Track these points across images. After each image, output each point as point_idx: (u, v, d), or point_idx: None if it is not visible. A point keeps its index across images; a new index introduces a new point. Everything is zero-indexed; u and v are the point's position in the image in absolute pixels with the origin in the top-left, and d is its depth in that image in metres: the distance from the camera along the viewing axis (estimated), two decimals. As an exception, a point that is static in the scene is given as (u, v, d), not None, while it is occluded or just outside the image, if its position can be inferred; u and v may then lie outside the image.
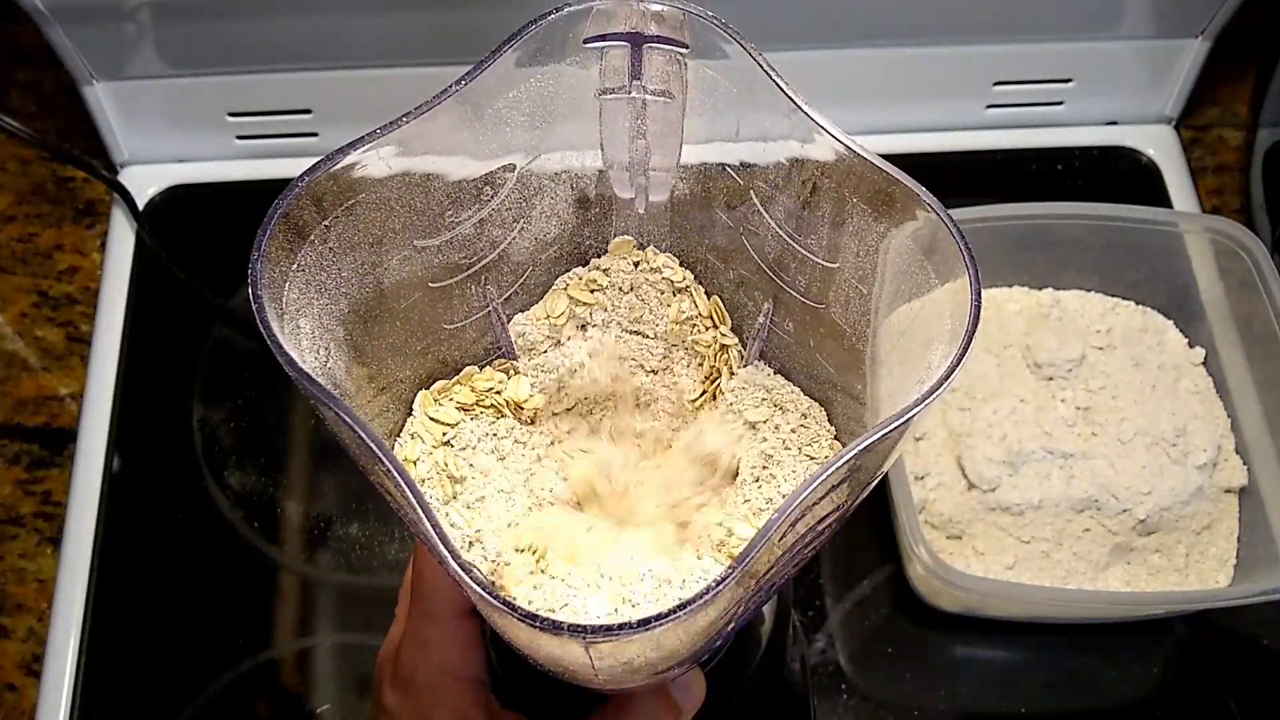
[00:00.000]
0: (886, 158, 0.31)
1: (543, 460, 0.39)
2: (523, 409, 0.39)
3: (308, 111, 0.73)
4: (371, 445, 0.27)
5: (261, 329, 0.28)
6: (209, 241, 0.73)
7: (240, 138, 0.74)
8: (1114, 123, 0.78)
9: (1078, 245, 0.66)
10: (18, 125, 0.67)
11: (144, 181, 0.75)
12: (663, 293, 0.40)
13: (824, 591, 0.64)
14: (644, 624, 0.26)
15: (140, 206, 0.74)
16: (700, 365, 0.40)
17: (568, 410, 0.40)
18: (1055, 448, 0.61)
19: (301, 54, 0.69)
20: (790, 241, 0.36)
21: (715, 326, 0.39)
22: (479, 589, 0.26)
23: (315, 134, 0.74)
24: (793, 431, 0.38)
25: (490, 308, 0.38)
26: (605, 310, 0.39)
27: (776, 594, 0.45)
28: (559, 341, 0.39)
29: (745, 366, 0.39)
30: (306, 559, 0.65)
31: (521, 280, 0.38)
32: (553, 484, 0.38)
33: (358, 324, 0.34)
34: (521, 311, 0.39)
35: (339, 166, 0.31)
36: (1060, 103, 0.77)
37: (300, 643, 0.63)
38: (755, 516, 0.37)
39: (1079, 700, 0.62)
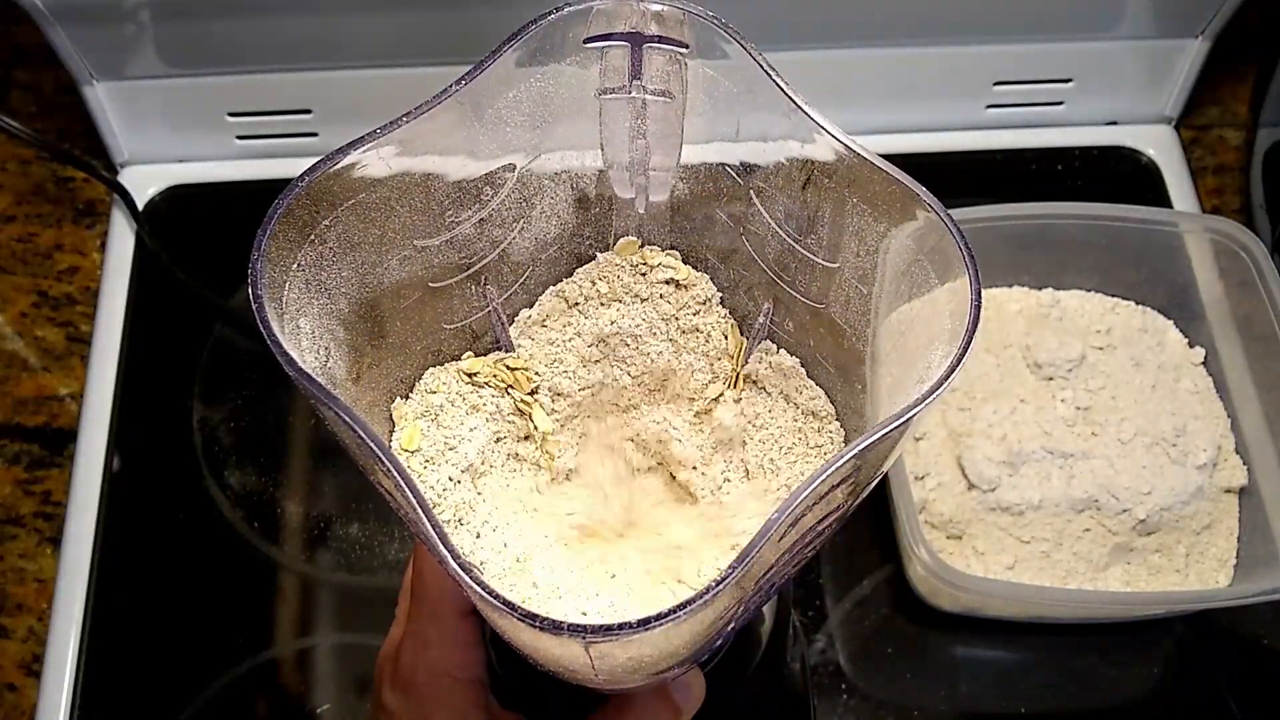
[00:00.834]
0: (886, 158, 0.31)
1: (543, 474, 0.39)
2: (541, 434, 0.39)
3: (308, 111, 0.73)
4: (371, 445, 0.27)
5: (261, 329, 0.28)
6: (209, 241, 0.73)
7: (240, 138, 0.74)
8: (1114, 123, 0.78)
9: (1078, 245, 0.66)
10: (18, 125, 0.67)
11: (144, 181, 0.75)
12: (665, 288, 0.39)
13: (824, 591, 0.64)
14: (644, 624, 0.26)
15: (140, 206, 0.74)
16: (703, 362, 0.40)
17: (570, 417, 0.40)
18: (1055, 448, 0.61)
19: (301, 54, 0.69)
20: (790, 241, 0.36)
21: (722, 322, 0.39)
22: (479, 589, 0.26)
23: (315, 134, 0.74)
24: (792, 431, 0.38)
25: (490, 308, 0.38)
26: (604, 307, 0.39)
27: (776, 594, 0.45)
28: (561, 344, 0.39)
29: (745, 366, 0.39)
30: (306, 559, 0.65)
31: (521, 280, 0.38)
32: (556, 508, 0.38)
33: (358, 324, 0.34)
34: (525, 307, 0.39)
35: (339, 166, 0.31)
36: (1060, 103, 0.77)
37: (300, 643, 0.63)
38: (754, 517, 0.37)
39: (1079, 700, 0.62)
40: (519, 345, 0.39)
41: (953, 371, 0.28)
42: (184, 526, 0.66)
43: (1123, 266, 0.67)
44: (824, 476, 0.27)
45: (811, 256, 0.36)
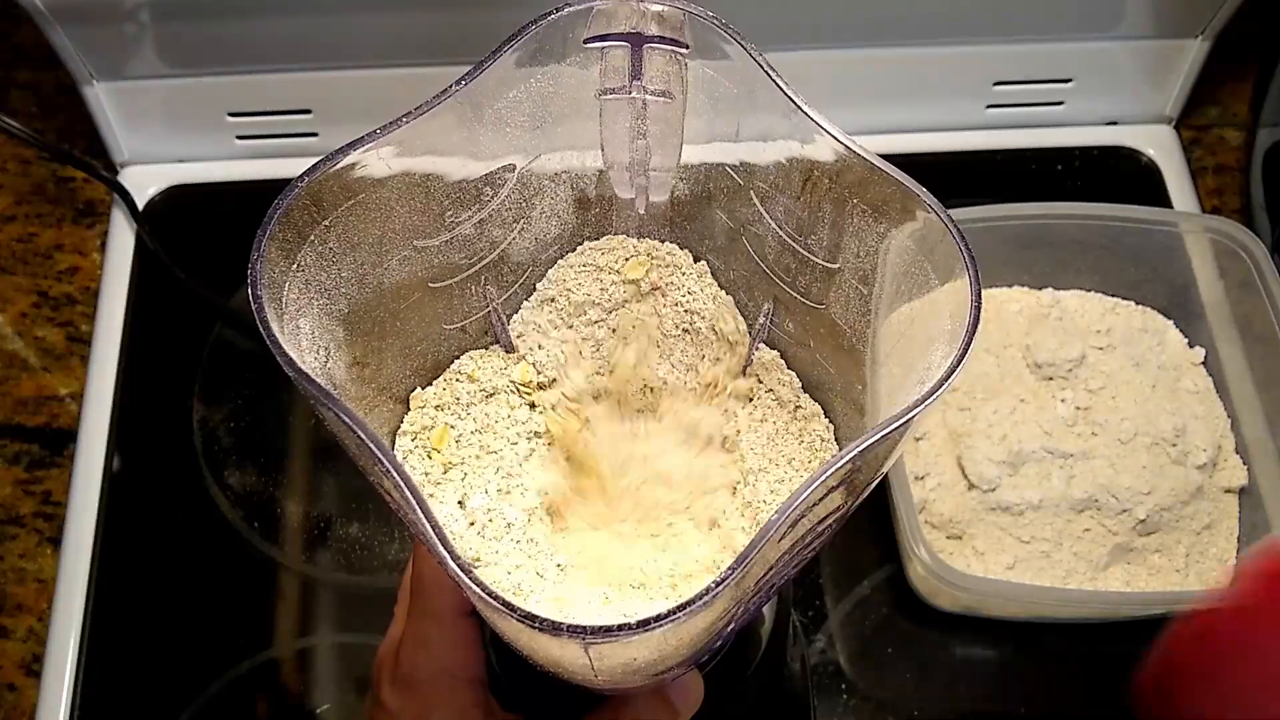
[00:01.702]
0: (886, 158, 0.31)
1: (537, 454, 0.39)
2: (528, 392, 0.39)
3: (308, 111, 0.73)
4: (371, 445, 0.27)
5: (261, 329, 0.28)
6: (209, 241, 0.73)
7: (240, 138, 0.74)
8: (1114, 123, 0.78)
9: (1078, 245, 0.66)
10: (18, 125, 0.67)
11: (144, 181, 0.75)
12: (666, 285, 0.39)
13: (824, 591, 0.64)
14: (643, 625, 0.26)
15: (140, 206, 0.74)
16: (705, 359, 0.40)
17: (569, 402, 0.40)
18: (1055, 448, 0.61)
19: (301, 54, 0.69)
20: (790, 241, 0.36)
21: (722, 320, 0.39)
22: (478, 589, 0.26)
23: (315, 134, 0.74)
24: (793, 431, 0.38)
25: (490, 308, 0.38)
26: (605, 299, 0.39)
27: (776, 594, 0.45)
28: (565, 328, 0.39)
29: (746, 366, 0.39)
30: (306, 559, 0.65)
31: (521, 280, 0.38)
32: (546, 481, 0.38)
33: (357, 324, 0.34)
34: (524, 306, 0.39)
35: (339, 166, 0.31)
36: (1060, 103, 0.77)
37: (300, 643, 0.63)
38: (755, 516, 0.37)
39: (1079, 700, 0.62)
40: (519, 342, 0.39)
41: (953, 372, 0.28)
42: (184, 526, 0.66)
43: (1123, 266, 0.67)
44: (824, 477, 0.27)
45: (811, 257, 0.36)
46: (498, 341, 0.39)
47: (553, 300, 0.39)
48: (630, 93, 0.35)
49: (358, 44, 0.69)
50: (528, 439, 0.38)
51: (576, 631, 0.26)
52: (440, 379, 0.38)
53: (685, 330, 0.40)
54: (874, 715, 0.61)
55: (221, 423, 0.68)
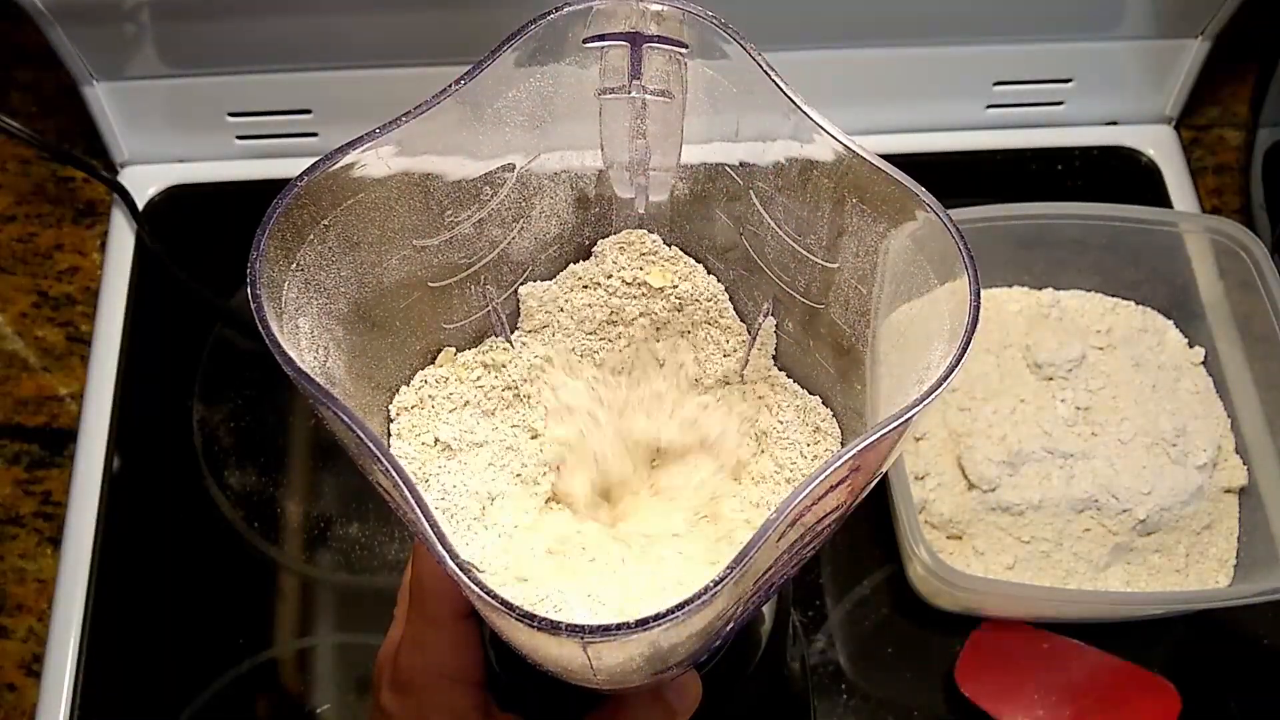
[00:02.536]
0: (886, 158, 0.31)
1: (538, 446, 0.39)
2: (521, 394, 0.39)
3: (308, 111, 0.73)
4: (370, 445, 0.27)
5: (261, 328, 0.28)
6: (209, 241, 0.73)
7: (240, 138, 0.74)
8: (1114, 123, 0.78)
9: (1078, 245, 0.66)
10: (18, 125, 0.67)
11: (144, 181, 0.75)
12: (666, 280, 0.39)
13: (824, 591, 0.64)
14: (642, 624, 0.26)
15: (140, 206, 0.74)
16: (705, 359, 0.40)
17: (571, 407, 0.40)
18: (1055, 448, 0.61)
19: (301, 54, 0.69)
20: (790, 241, 0.36)
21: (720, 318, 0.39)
22: (477, 589, 0.26)
23: (315, 134, 0.74)
24: (793, 430, 0.38)
25: (490, 308, 0.38)
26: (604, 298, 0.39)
27: (776, 594, 0.45)
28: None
29: (745, 365, 0.39)
30: (306, 559, 0.65)
31: (521, 280, 0.38)
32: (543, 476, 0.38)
33: (357, 323, 0.34)
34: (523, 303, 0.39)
35: (338, 166, 0.31)
36: (1060, 103, 0.77)
37: (300, 643, 0.63)
38: (755, 515, 0.37)
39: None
40: (522, 343, 0.39)
41: (952, 371, 0.28)
42: (184, 526, 0.66)
43: (1123, 266, 0.67)
44: (823, 476, 0.27)
45: (811, 256, 0.36)
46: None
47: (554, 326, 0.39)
48: (630, 92, 0.35)
49: (358, 44, 0.69)
50: (525, 431, 0.38)
51: (575, 631, 0.26)
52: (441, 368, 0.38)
53: (685, 331, 0.40)
54: (874, 715, 0.61)
55: (221, 423, 0.68)
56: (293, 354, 0.28)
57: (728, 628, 0.35)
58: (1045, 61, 0.74)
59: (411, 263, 0.35)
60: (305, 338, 0.31)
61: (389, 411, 0.37)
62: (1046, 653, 0.59)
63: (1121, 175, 0.77)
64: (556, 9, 0.33)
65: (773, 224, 0.36)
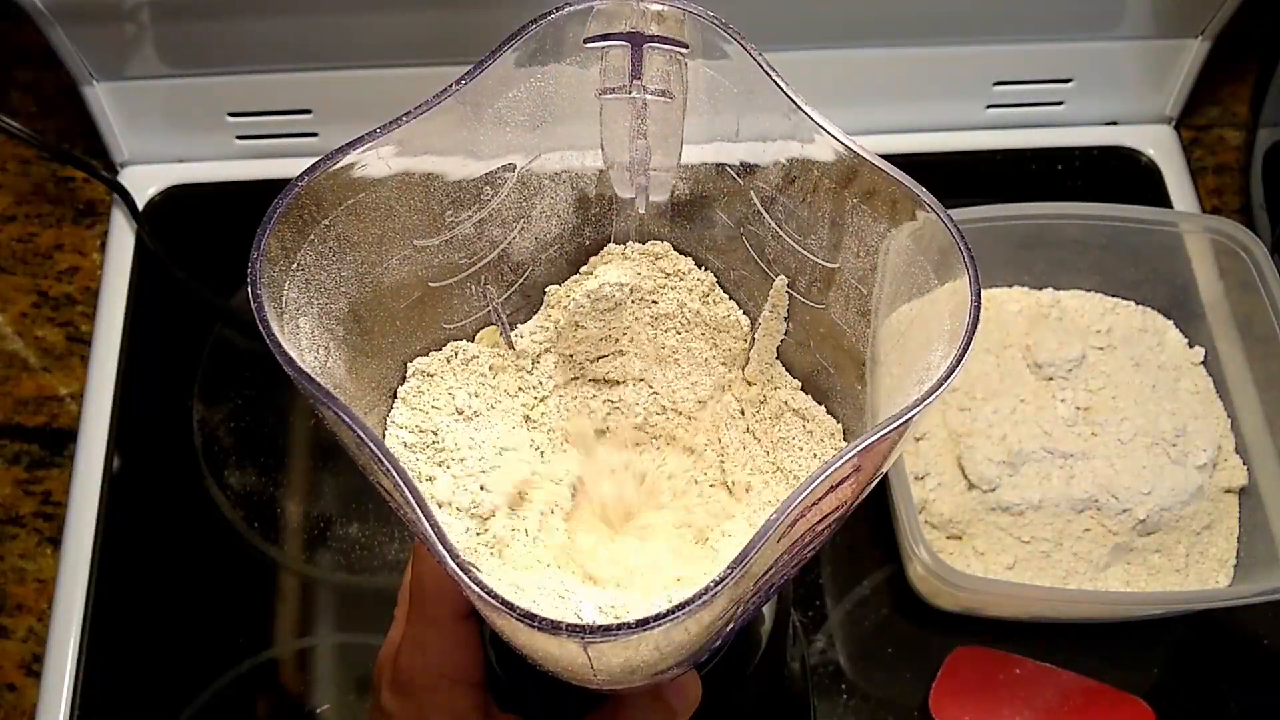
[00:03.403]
0: (886, 158, 0.31)
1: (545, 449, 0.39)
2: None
3: (308, 111, 0.73)
4: (371, 445, 0.27)
5: (261, 328, 0.28)
6: (209, 241, 0.73)
7: (240, 138, 0.74)
8: (1114, 123, 0.78)
9: (1078, 245, 0.66)
10: (18, 125, 0.67)
11: (144, 181, 0.75)
12: (665, 278, 0.39)
13: (824, 591, 0.64)
14: (642, 624, 0.26)
15: (140, 206, 0.74)
16: (705, 359, 0.40)
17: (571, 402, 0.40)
18: (1055, 448, 0.61)
19: (301, 54, 0.69)
20: (790, 241, 0.36)
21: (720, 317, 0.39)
22: (477, 588, 0.26)
23: (315, 134, 0.74)
24: (793, 431, 0.38)
25: (490, 307, 0.38)
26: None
27: (776, 594, 0.45)
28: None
29: (746, 366, 0.39)
30: (306, 559, 0.65)
31: (521, 280, 0.38)
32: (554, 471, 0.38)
33: (357, 323, 0.34)
34: (523, 311, 0.39)
35: (339, 166, 0.31)
36: (1060, 103, 0.77)
37: (300, 643, 0.63)
38: (754, 516, 0.37)
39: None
40: (530, 346, 0.39)
41: (952, 372, 0.28)
42: (184, 526, 0.66)
43: (1123, 266, 0.67)
44: (823, 477, 0.27)
45: (811, 257, 0.36)
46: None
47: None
48: (630, 92, 0.35)
49: (358, 44, 0.69)
50: (524, 427, 0.38)
51: (575, 631, 0.26)
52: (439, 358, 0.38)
53: (683, 332, 0.40)
54: (874, 715, 0.61)
55: (221, 423, 0.68)
56: (293, 354, 0.28)
57: (728, 628, 0.35)
58: (1045, 61, 0.74)
59: (412, 263, 0.35)
60: (306, 337, 0.31)
61: (397, 390, 0.37)
62: (1019, 677, 0.60)
63: (1121, 175, 0.77)
64: (557, 9, 0.33)
65: (773, 224, 0.36)
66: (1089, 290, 0.68)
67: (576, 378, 0.40)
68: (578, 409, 0.40)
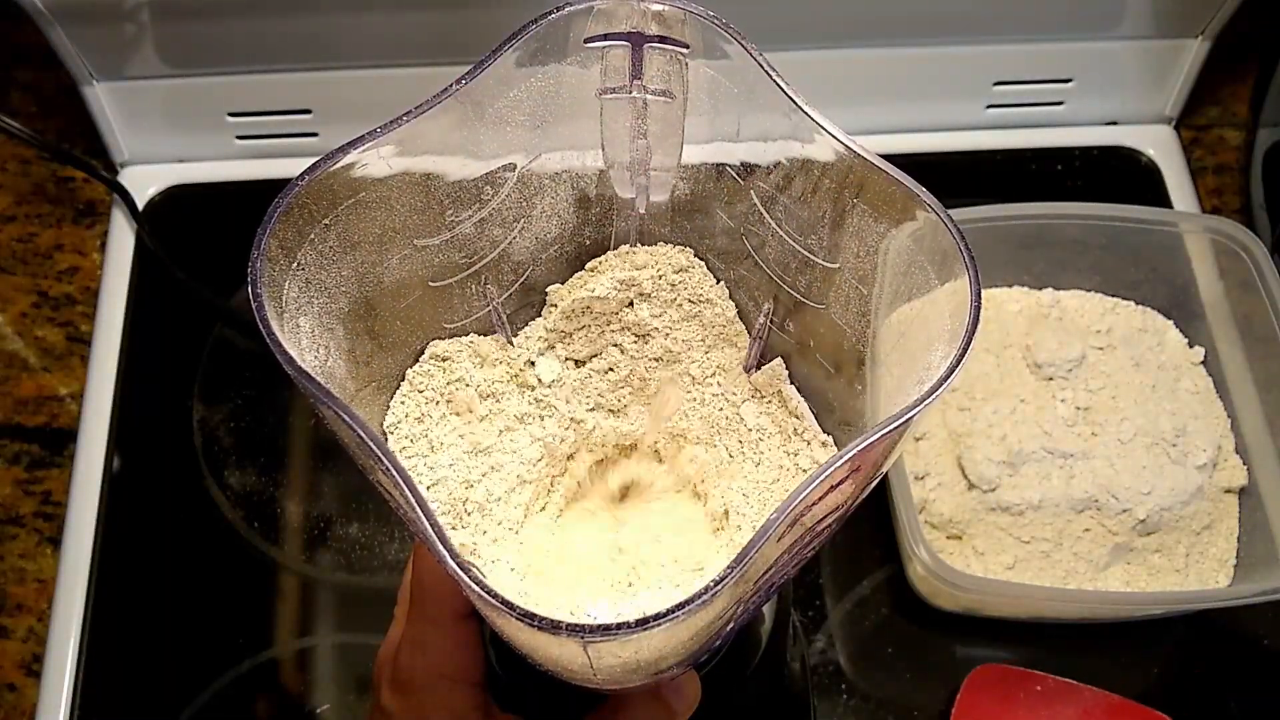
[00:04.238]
0: (886, 158, 0.31)
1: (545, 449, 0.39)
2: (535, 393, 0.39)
3: (308, 111, 0.73)
4: (371, 445, 0.27)
5: (261, 328, 0.28)
6: (209, 241, 0.73)
7: (240, 138, 0.74)
8: (1114, 123, 0.78)
9: (1078, 245, 0.66)
10: (18, 125, 0.67)
11: (144, 181, 0.75)
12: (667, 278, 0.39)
13: (824, 591, 0.64)
14: (642, 624, 0.26)
15: (140, 206, 0.74)
16: (705, 360, 0.40)
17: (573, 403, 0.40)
18: (1055, 448, 0.61)
19: (301, 54, 0.69)
20: (790, 241, 0.36)
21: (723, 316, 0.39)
22: (477, 588, 0.26)
23: (315, 134, 0.74)
24: (794, 429, 0.38)
25: (490, 307, 0.38)
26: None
27: (776, 594, 0.45)
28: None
29: (746, 366, 0.39)
30: (306, 559, 0.65)
31: (522, 280, 0.38)
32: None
33: (358, 323, 0.34)
34: (523, 310, 0.39)
35: (339, 166, 0.31)
36: (1060, 103, 0.77)
37: (300, 643, 0.63)
38: (754, 516, 0.37)
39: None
40: (539, 361, 0.39)
41: (952, 372, 0.28)
42: (184, 526, 0.66)
43: (1123, 266, 0.67)
44: (823, 477, 0.27)
45: (811, 256, 0.36)
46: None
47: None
48: (631, 92, 0.35)
49: (358, 44, 0.69)
50: (523, 423, 0.38)
51: (575, 630, 0.26)
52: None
53: (683, 332, 0.39)
54: (874, 715, 0.61)
55: (221, 423, 0.68)
56: (293, 353, 0.28)
57: (728, 628, 0.35)
58: (1045, 61, 0.74)
59: (412, 262, 0.35)
60: (306, 337, 0.31)
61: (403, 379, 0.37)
62: (1040, 694, 0.59)
63: (1121, 175, 0.77)
64: (557, 9, 0.33)
65: (773, 224, 0.36)
66: (1089, 290, 0.68)
67: (576, 377, 0.40)
68: (577, 409, 0.40)
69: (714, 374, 0.40)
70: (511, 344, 0.39)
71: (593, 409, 0.40)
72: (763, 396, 0.39)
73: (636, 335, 0.39)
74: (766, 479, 0.38)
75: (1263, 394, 0.63)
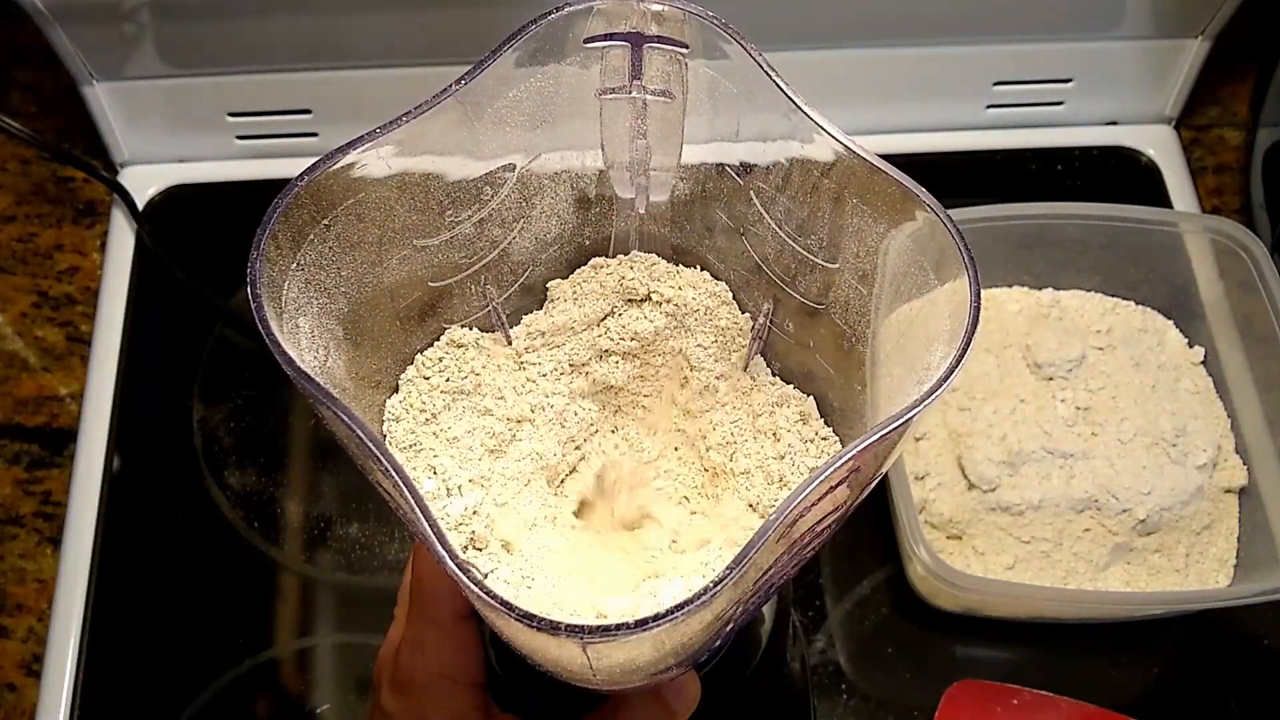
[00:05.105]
0: (886, 158, 0.31)
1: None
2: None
3: (308, 111, 0.73)
4: (370, 445, 0.27)
5: (260, 328, 0.28)
6: (209, 241, 0.73)
7: (240, 138, 0.74)
8: (1114, 123, 0.78)
9: (1078, 245, 0.66)
10: (18, 125, 0.67)
11: (144, 181, 0.75)
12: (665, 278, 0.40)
13: (824, 591, 0.64)
14: (641, 624, 0.26)
15: (140, 206, 0.74)
16: (705, 360, 0.40)
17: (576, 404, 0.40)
18: (1055, 448, 0.61)
19: (301, 54, 0.69)
20: (790, 242, 0.36)
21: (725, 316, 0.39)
22: (476, 588, 0.26)
23: (315, 134, 0.74)
24: (792, 431, 0.38)
25: (490, 307, 0.38)
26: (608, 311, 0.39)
27: (776, 594, 0.45)
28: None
29: (747, 367, 0.39)
30: (306, 559, 0.65)
31: (522, 279, 0.38)
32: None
33: (357, 323, 0.34)
34: (524, 311, 0.39)
35: (339, 166, 0.31)
36: (1060, 103, 0.77)
37: (300, 643, 0.63)
38: (752, 518, 0.37)
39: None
40: (529, 360, 0.39)
41: (952, 372, 0.28)
42: (184, 526, 0.66)
43: (1123, 266, 0.67)
44: (823, 477, 0.27)
45: (811, 257, 0.36)
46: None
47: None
48: (630, 92, 0.35)
49: (358, 44, 0.69)
50: (524, 423, 0.38)
51: (575, 631, 0.26)
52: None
53: (683, 333, 0.39)
54: (874, 715, 0.61)
55: (221, 423, 0.68)
56: (293, 354, 0.28)
57: (727, 628, 0.35)
58: (1045, 61, 0.74)
59: (412, 262, 0.35)
60: (305, 337, 0.31)
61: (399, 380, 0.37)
62: (1018, 708, 0.60)
63: (1121, 175, 0.77)
64: (557, 9, 0.33)
65: (773, 224, 0.36)
66: (1089, 290, 0.68)
67: (575, 378, 0.40)
68: (577, 408, 0.40)
69: (716, 375, 0.40)
70: (510, 344, 0.39)
71: (593, 410, 0.40)
72: (763, 396, 0.39)
73: (637, 336, 0.39)
74: (767, 479, 0.38)
75: (1263, 394, 0.63)
